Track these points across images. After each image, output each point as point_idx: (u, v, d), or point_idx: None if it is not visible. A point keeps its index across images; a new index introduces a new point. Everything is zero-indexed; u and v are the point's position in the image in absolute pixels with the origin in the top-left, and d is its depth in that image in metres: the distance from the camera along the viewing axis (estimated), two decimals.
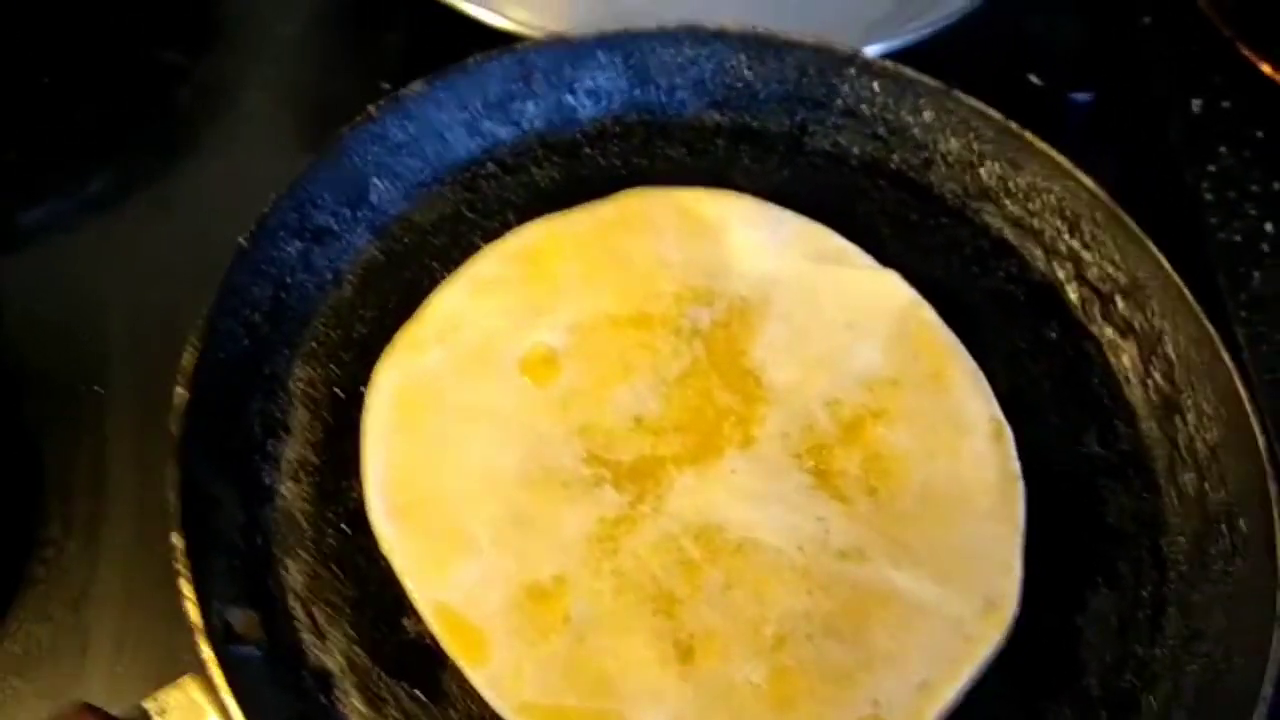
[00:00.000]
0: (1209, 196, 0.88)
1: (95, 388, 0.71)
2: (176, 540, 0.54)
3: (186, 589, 0.53)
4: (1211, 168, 0.90)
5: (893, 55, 0.77)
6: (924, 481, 0.63)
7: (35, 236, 0.78)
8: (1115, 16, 0.98)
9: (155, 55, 0.86)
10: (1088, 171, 0.71)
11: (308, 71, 0.87)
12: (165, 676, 0.57)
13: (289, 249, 0.65)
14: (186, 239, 0.77)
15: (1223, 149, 0.91)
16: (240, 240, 0.62)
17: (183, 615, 0.53)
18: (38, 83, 0.84)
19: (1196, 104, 0.95)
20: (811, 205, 0.72)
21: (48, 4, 0.84)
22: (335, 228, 0.68)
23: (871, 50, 0.76)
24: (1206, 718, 0.57)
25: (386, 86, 0.85)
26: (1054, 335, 0.70)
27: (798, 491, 0.62)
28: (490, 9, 0.77)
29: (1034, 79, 0.86)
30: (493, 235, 0.69)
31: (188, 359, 0.58)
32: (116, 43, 0.87)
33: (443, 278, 0.68)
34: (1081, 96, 0.86)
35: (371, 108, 0.68)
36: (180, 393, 0.57)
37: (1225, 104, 0.95)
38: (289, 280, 0.65)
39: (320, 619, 0.57)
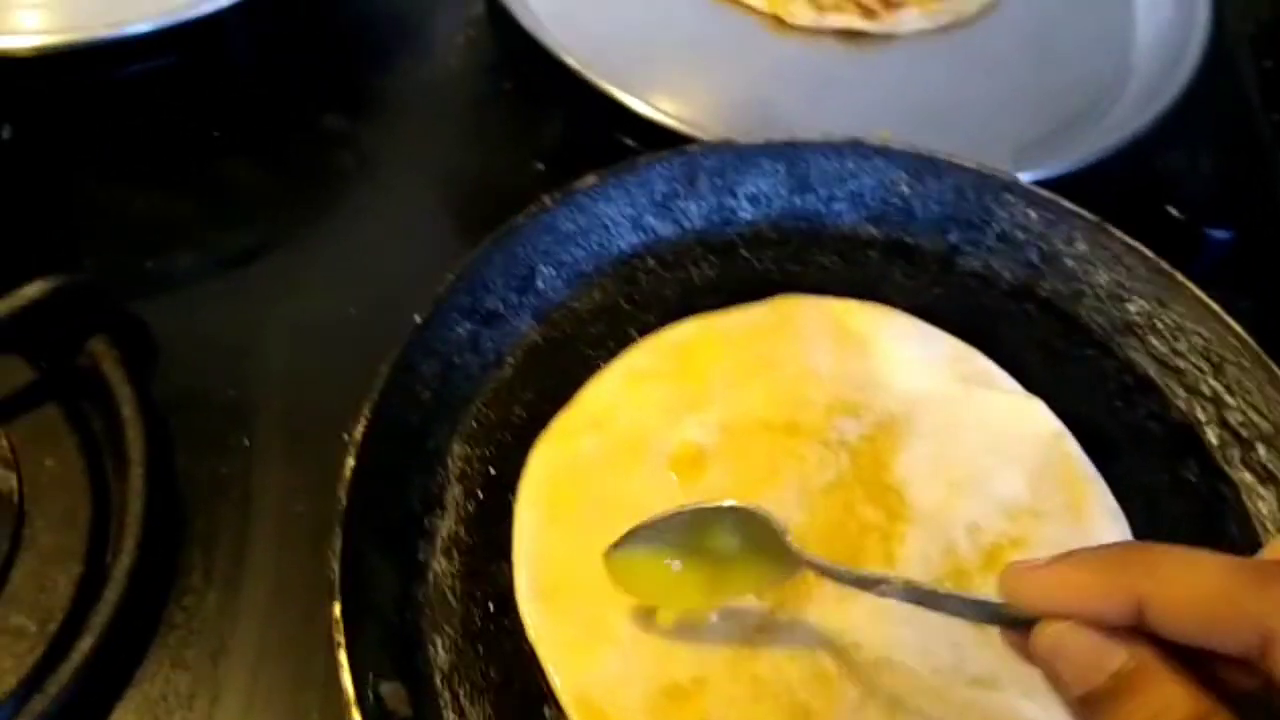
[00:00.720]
0: None
1: (245, 440, 0.72)
2: (336, 610, 0.55)
3: (343, 659, 0.54)
4: None
5: (1038, 183, 0.77)
6: None
7: (192, 286, 0.80)
8: (1252, 155, 0.99)
9: (320, 119, 0.88)
10: (1231, 312, 0.71)
11: (466, 146, 0.89)
12: None
13: (459, 329, 0.67)
14: (339, 299, 0.79)
15: None
16: (416, 319, 0.63)
17: (325, 683, 0.54)
18: (207, 136, 0.86)
19: None
20: (960, 325, 0.73)
21: (220, 61, 0.86)
22: (503, 311, 0.69)
23: (1023, 176, 0.77)
24: None
25: (541, 167, 0.87)
26: (1192, 477, 0.70)
27: (935, 616, 0.62)
28: (644, 100, 0.79)
29: (1173, 211, 0.87)
30: (648, 328, 0.71)
31: (359, 427, 0.60)
32: (284, 103, 0.89)
33: (598, 366, 0.69)
34: (1220, 234, 0.86)
35: (546, 198, 0.69)
36: (350, 463, 0.58)
37: None
38: (456, 360, 0.67)
39: (463, 699, 0.58)
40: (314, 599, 0.65)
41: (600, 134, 0.82)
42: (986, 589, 0.63)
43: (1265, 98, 1.04)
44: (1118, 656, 0.43)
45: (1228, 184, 0.91)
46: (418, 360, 0.64)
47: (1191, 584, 0.43)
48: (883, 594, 0.53)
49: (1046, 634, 0.46)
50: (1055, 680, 0.46)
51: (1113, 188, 0.85)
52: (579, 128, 0.84)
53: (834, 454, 0.67)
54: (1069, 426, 0.69)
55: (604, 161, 0.75)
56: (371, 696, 0.55)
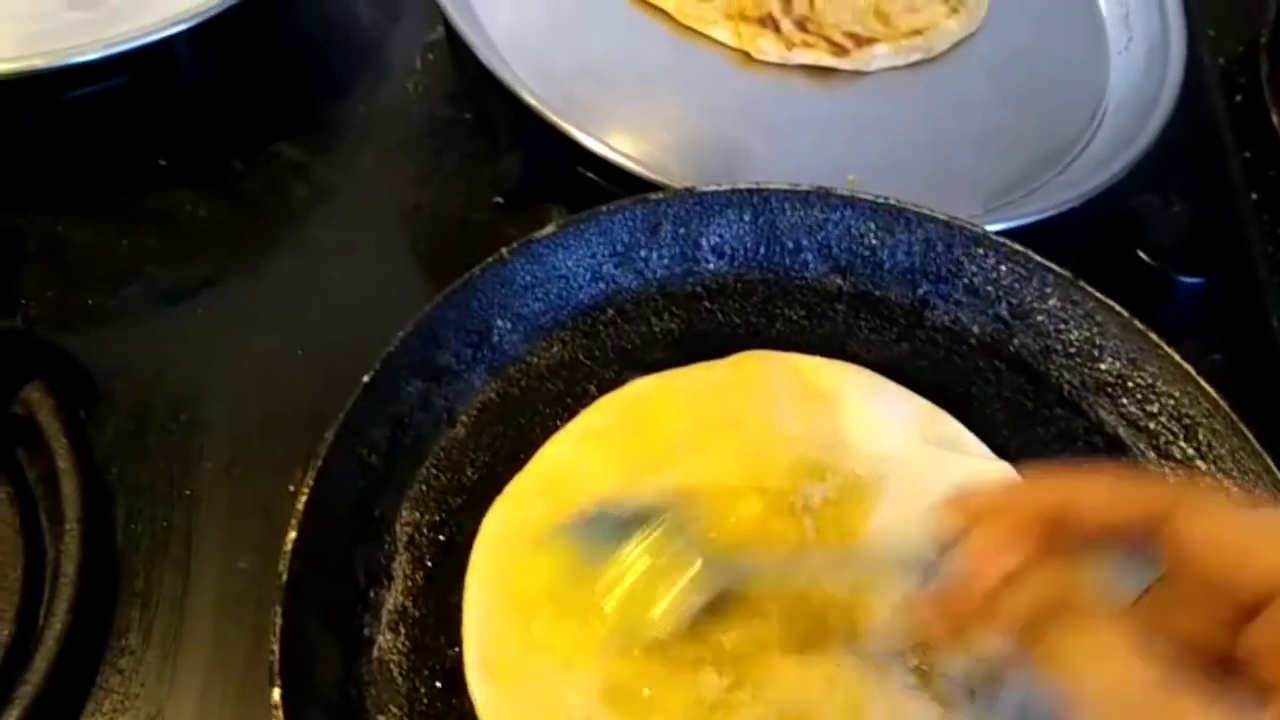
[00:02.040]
0: None
1: (186, 491, 0.69)
2: (276, 696, 0.53)
3: None
4: None
5: (1009, 231, 0.76)
6: (1030, 692, 0.61)
7: (134, 322, 0.78)
8: (1223, 196, 0.98)
9: (272, 149, 0.85)
10: (1201, 367, 0.70)
11: (423, 178, 0.86)
12: None
13: (410, 388, 0.64)
14: (289, 337, 0.77)
15: None
16: (364, 379, 0.61)
17: None
18: (153, 165, 0.83)
19: None
20: (928, 381, 0.72)
21: (168, 87, 0.82)
22: (455, 367, 0.67)
23: (991, 227, 0.75)
24: None
25: (498, 201, 0.84)
26: None
27: (900, 693, 0.60)
28: (602, 140, 0.77)
29: (1144, 257, 0.85)
30: (608, 383, 0.69)
31: (302, 500, 0.57)
32: (234, 130, 0.86)
33: (555, 424, 0.67)
34: (1192, 280, 0.85)
35: (504, 250, 0.67)
36: (291, 536, 0.56)
37: None
38: (406, 420, 0.64)
39: None
40: (256, 663, 0.63)
41: (560, 167, 0.80)
42: (952, 665, 0.61)
43: (1237, 135, 1.03)
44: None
45: (1200, 228, 0.89)
46: (365, 424, 0.61)
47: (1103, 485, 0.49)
48: None
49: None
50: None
51: (1082, 232, 0.85)
52: (539, 162, 0.81)
53: (798, 520, 0.65)
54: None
55: (565, 196, 0.73)
56: None
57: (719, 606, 0.60)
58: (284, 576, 0.55)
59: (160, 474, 0.71)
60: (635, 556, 0.59)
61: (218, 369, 0.75)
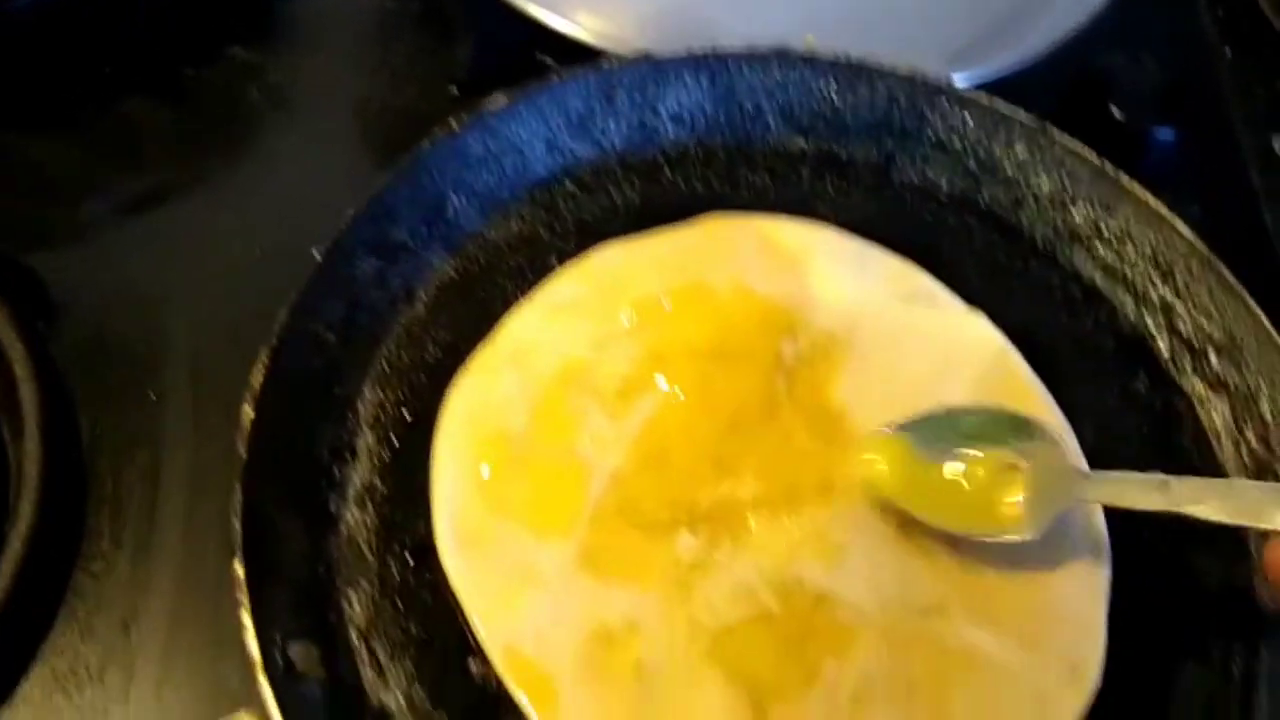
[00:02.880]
0: None
1: (150, 395, 0.68)
2: (238, 569, 0.52)
3: (247, 621, 0.51)
4: None
5: (977, 85, 0.74)
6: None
7: (91, 234, 0.76)
8: (1197, 50, 0.96)
9: (224, 51, 0.83)
10: (1175, 212, 0.68)
11: (377, 73, 0.84)
12: (214, 705, 0.55)
13: (364, 266, 0.63)
14: (247, 242, 0.75)
15: None
16: (315, 254, 0.60)
17: (241, 647, 0.51)
18: (98, 72, 0.81)
19: (1278, 144, 0.93)
20: (897, 239, 0.70)
21: None
22: (411, 245, 0.65)
23: (959, 79, 0.73)
24: None
25: (455, 92, 0.83)
26: (1143, 388, 0.67)
27: (880, 545, 0.60)
28: (560, 14, 0.75)
29: (1116, 112, 0.83)
30: (569, 256, 0.67)
31: (256, 376, 0.56)
32: (183, 34, 0.84)
33: (517, 298, 0.66)
34: (1164, 133, 0.83)
35: (453, 121, 0.65)
36: (248, 412, 0.55)
37: None
38: (362, 298, 0.63)
39: (381, 656, 0.55)
40: (228, 559, 0.62)
41: (516, 54, 0.78)
42: None
43: None
44: None
45: (1172, 82, 0.87)
46: (319, 300, 0.60)
47: None
48: None
49: None
50: None
51: (1053, 90, 0.82)
52: (493, 48, 0.80)
53: (769, 379, 0.63)
54: (1014, 341, 0.66)
55: (521, 82, 0.71)
56: (280, 659, 0.51)
57: None
58: (242, 453, 0.54)
59: (124, 380, 0.69)
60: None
61: (177, 274, 0.73)
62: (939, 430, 0.60)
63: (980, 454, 0.59)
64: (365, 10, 0.88)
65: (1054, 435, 0.60)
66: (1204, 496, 0.53)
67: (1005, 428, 0.60)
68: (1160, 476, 0.55)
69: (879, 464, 0.60)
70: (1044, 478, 0.58)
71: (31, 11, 0.78)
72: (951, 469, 0.59)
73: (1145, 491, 0.55)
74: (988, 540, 0.58)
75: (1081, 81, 0.84)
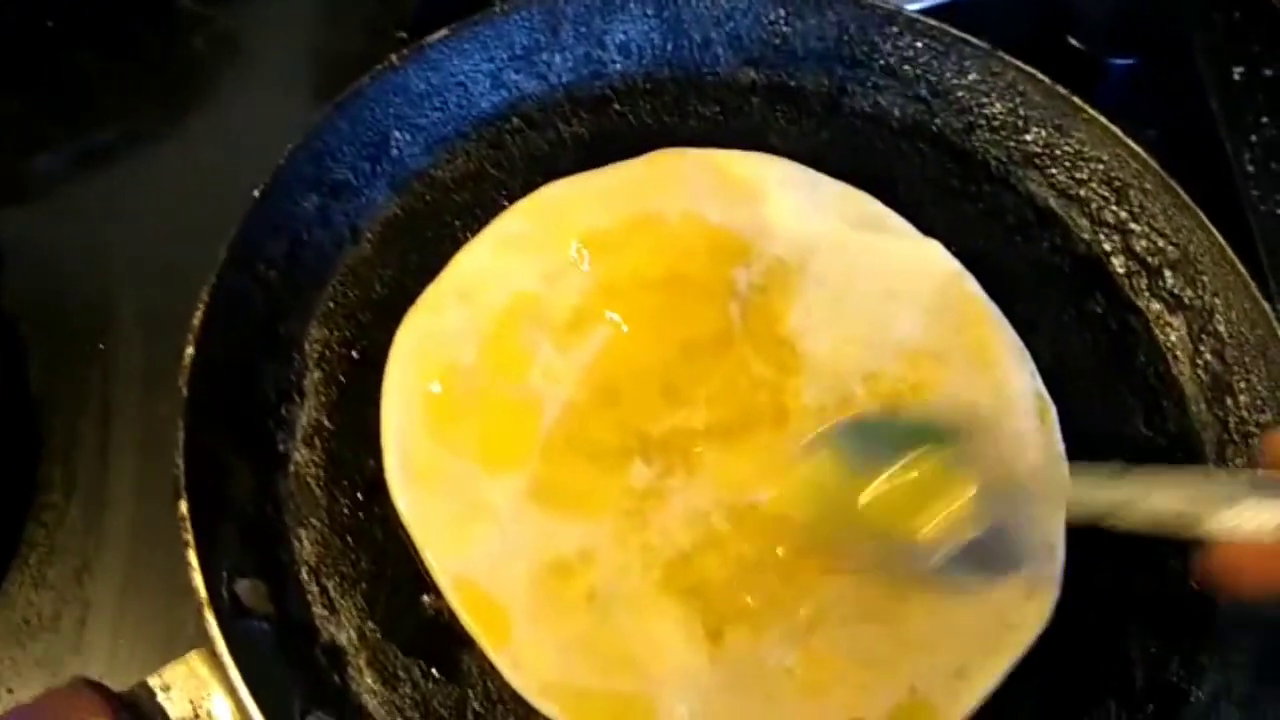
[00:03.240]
0: (1250, 168, 0.85)
1: (100, 345, 0.68)
2: (183, 508, 0.51)
3: (193, 559, 0.51)
4: (1254, 138, 0.87)
5: (929, 13, 0.73)
6: None
7: (39, 187, 0.75)
8: None
9: (170, 2, 0.82)
10: (1131, 135, 0.68)
11: (323, 20, 0.84)
12: (169, 651, 0.55)
13: (305, 203, 0.62)
14: (197, 192, 0.74)
15: (1265, 119, 0.88)
16: (254, 192, 0.59)
17: (189, 586, 0.50)
18: (40, 26, 0.80)
19: (1238, 71, 0.92)
20: (849, 168, 0.69)
21: None
22: (354, 182, 0.65)
23: (909, 7, 0.72)
24: (1258, 710, 0.55)
25: (403, 35, 0.81)
26: (1099, 309, 0.67)
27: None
28: None
29: (1074, 42, 0.83)
30: (517, 193, 0.66)
31: (198, 316, 0.55)
32: None
33: (465, 236, 0.65)
34: (1122, 61, 0.83)
35: (394, 56, 0.65)
36: (189, 352, 0.54)
37: (1268, 72, 0.92)
38: (305, 236, 0.62)
39: (333, 592, 0.55)
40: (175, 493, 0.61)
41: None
42: None
43: None
44: None
45: (1129, 10, 0.87)
46: (260, 238, 0.59)
47: None
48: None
49: None
50: None
51: (1009, 19, 0.82)
52: None
53: (721, 307, 0.63)
54: (969, 266, 0.66)
55: None
56: (227, 595, 0.51)
57: None
58: (185, 391, 0.53)
59: (74, 331, 0.69)
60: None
61: (125, 225, 0.73)
62: (869, 442, 0.57)
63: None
64: None
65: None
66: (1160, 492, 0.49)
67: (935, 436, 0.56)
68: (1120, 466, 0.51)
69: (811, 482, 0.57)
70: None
71: None
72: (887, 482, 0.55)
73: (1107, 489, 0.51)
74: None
75: (1037, 10, 0.84)
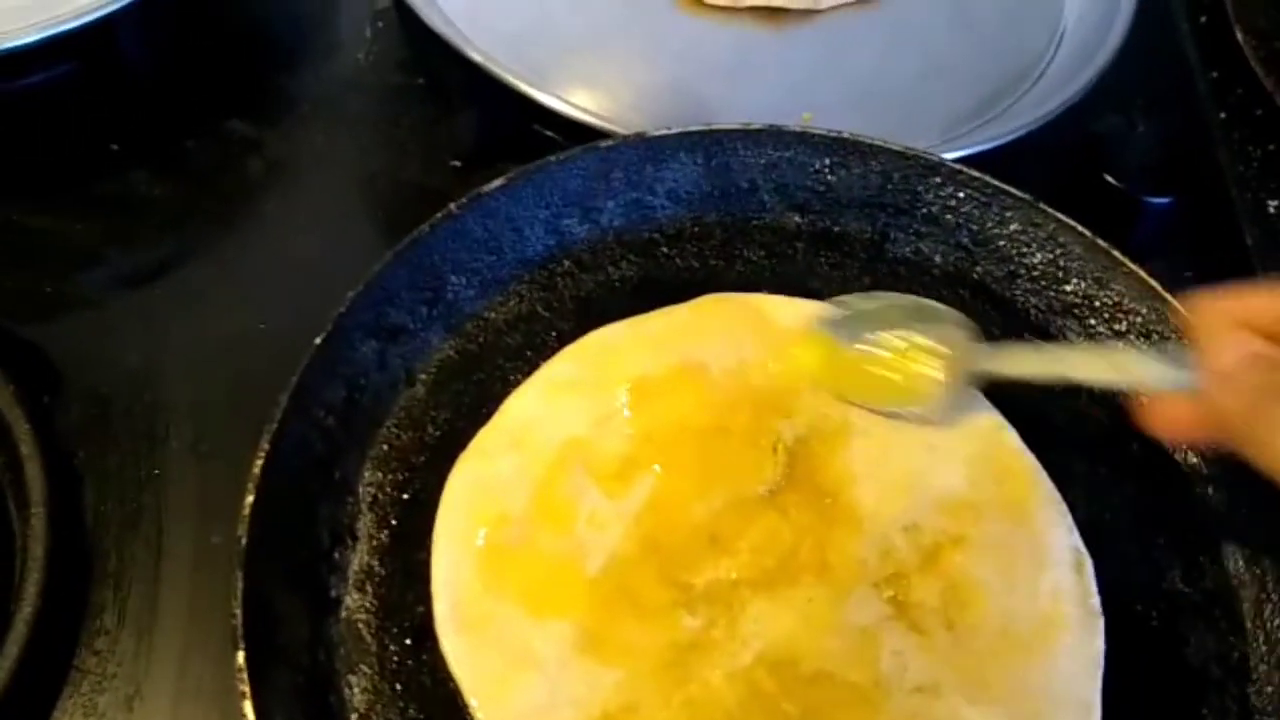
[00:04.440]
0: None
1: (155, 470, 0.69)
2: (240, 658, 0.52)
3: (249, 711, 0.51)
4: None
5: (969, 159, 0.75)
6: (1003, 614, 0.61)
7: (93, 307, 0.77)
8: (1190, 117, 0.97)
9: (224, 125, 0.84)
10: (1169, 283, 0.69)
11: (377, 147, 0.86)
12: None
13: (364, 349, 0.64)
14: (250, 315, 0.76)
15: None
16: (315, 340, 0.60)
17: None
18: (104, 149, 0.82)
19: (1273, 205, 0.93)
20: None
21: (115, 69, 0.82)
22: (410, 326, 0.66)
23: (950, 155, 0.74)
24: None
25: (456, 164, 0.84)
26: (1136, 462, 0.67)
27: (875, 623, 0.60)
28: (556, 95, 0.76)
29: (1110, 180, 0.84)
30: (568, 335, 0.68)
31: (257, 464, 0.56)
32: (184, 109, 0.86)
33: (516, 378, 0.66)
34: (1159, 202, 0.84)
35: (453, 205, 0.66)
36: (249, 500, 0.56)
37: None
38: (363, 381, 0.64)
39: None
40: (230, 647, 0.62)
41: (516, 128, 0.79)
42: (927, 592, 0.61)
43: (1202, 55, 1.01)
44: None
45: (1166, 149, 0.88)
46: (319, 385, 0.61)
47: None
48: None
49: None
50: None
51: (1047, 158, 0.84)
52: (494, 122, 0.81)
53: (766, 459, 0.64)
54: (1008, 416, 0.67)
55: (523, 156, 0.72)
56: None
57: None
58: (243, 540, 0.55)
59: (127, 455, 0.70)
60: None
61: (179, 349, 0.74)
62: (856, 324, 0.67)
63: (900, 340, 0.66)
64: (366, 84, 0.89)
65: (957, 318, 0.67)
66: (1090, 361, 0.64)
67: (912, 315, 0.67)
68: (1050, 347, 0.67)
69: (806, 358, 0.67)
70: (956, 353, 0.65)
71: (40, 89, 0.79)
72: (875, 353, 0.66)
73: (1037, 360, 0.64)
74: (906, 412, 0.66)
75: (1076, 149, 0.85)
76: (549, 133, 0.78)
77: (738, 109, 0.76)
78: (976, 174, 0.72)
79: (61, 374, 0.72)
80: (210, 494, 0.69)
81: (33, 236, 0.79)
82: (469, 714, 0.56)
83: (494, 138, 0.82)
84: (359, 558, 0.60)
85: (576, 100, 0.76)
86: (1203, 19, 1.04)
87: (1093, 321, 0.71)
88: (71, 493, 0.68)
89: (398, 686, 0.57)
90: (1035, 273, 0.72)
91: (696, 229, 0.74)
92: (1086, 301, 0.71)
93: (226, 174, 0.84)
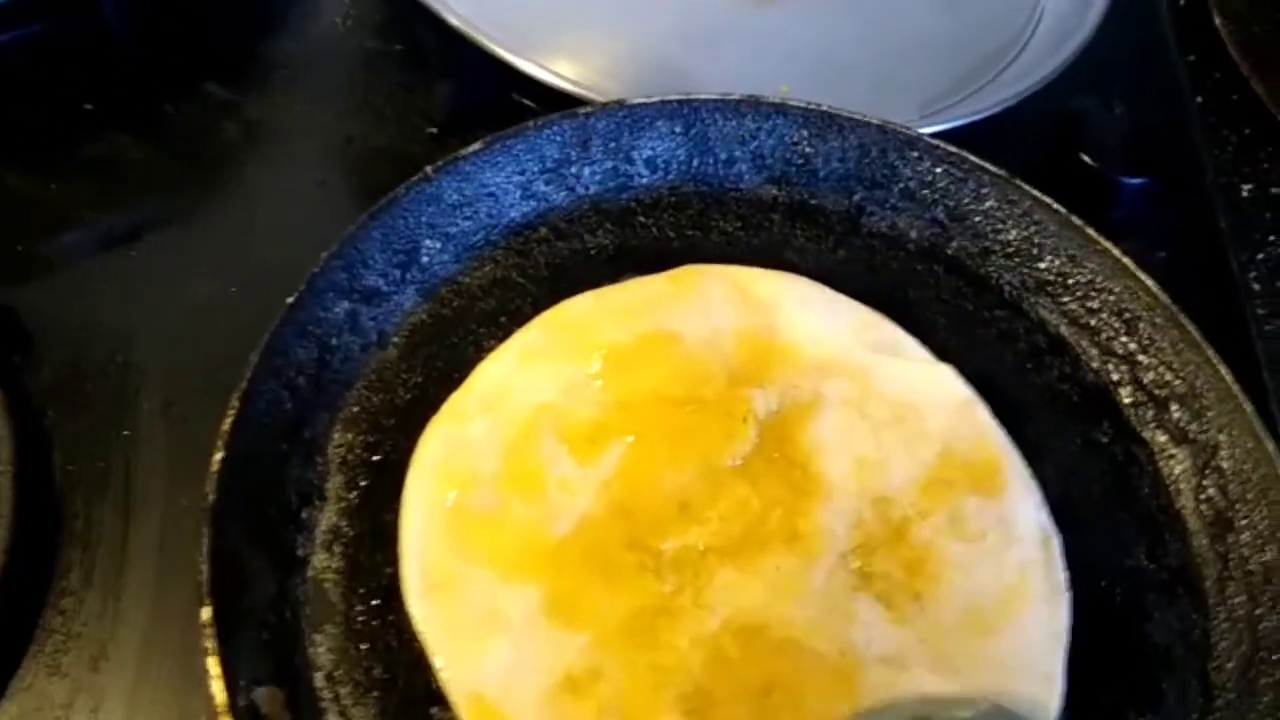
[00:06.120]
0: (1256, 285, 0.87)
1: (124, 431, 0.69)
2: (206, 614, 0.52)
3: (214, 667, 0.51)
4: (1260, 255, 0.89)
5: (947, 134, 0.75)
6: (969, 588, 0.61)
7: (67, 269, 0.76)
8: (1167, 99, 0.97)
9: (202, 88, 0.84)
10: (1142, 262, 0.70)
11: (354, 111, 0.85)
12: None
13: (337, 309, 0.64)
14: (223, 277, 0.75)
15: (1272, 237, 0.90)
16: (288, 300, 0.60)
17: (204, 688, 0.51)
18: (79, 109, 0.82)
19: (1246, 189, 0.94)
20: (866, 288, 0.71)
21: (91, 29, 0.81)
22: (384, 288, 0.66)
23: (927, 130, 0.74)
24: None
25: (433, 131, 0.83)
26: (1105, 439, 0.68)
27: (842, 593, 0.60)
28: (536, 63, 0.76)
29: (1086, 159, 0.85)
30: (542, 302, 0.68)
31: (227, 421, 0.56)
32: (162, 72, 0.85)
33: (489, 344, 0.66)
34: (1135, 181, 0.84)
35: (429, 168, 0.66)
36: (218, 457, 0.55)
37: (1276, 190, 0.94)
38: (334, 341, 0.64)
39: (346, 699, 0.56)
40: (197, 602, 0.62)
41: (494, 95, 0.79)
42: (894, 564, 0.61)
43: (1179, 38, 1.02)
44: None
45: (1142, 130, 0.89)
46: (291, 344, 0.61)
47: None
48: None
49: None
50: None
51: (1025, 137, 0.84)
52: (472, 89, 0.81)
53: (738, 428, 0.64)
54: (980, 391, 0.67)
55: (500, 124, 0.72)
56: (245, 703, 0.52)
57: None
58: (211, 496, 0.54)
59: (97, 417, 0.70)
60: None
61: (152, 311, 0.74)
62: None
63: None
64: (344, 50, 0.89)
65: None
66: None
67: None
68: None
69: None
70: None
71: (12, 48, 0.78)
72: None
73: None
74: None
75: (1052, 128, 0.85)
76: (527, 101, 0.78)
77: (716, 80, 0.76)
78: (954, 149, 0.72)
79: (32, 335, 0.72)
80: (180, 456, 0.69)
81: (6, 197, 0.79)
82: (435, 674, 0.56)
83: (471, 104, 0.82)
84: (327, 518, 0.60)
85: (556, 68, 0.76)
86: (1181, 1, 1.04)
87: (1066, 299, 0.71)
88: (40, 453, 0.67)
89: (363, 646, 0.57)
90: (1010, 249, 0.72)
91: (674, 199, 0.74)
92: (1060, 279, 0.71)
93: (203, 137, 0.83)
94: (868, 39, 0.87)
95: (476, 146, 0.68)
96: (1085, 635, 0.61)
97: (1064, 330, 0.71)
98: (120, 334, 0.73)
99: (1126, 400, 0.69)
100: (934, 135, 0.74)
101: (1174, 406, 0.67)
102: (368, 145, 0.84)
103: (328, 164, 0.84)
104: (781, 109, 0.73)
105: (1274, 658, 0.59)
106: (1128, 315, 0.69)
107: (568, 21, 0.84)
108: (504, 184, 0.70)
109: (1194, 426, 0.66)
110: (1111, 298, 0.70)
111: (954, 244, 0.74)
